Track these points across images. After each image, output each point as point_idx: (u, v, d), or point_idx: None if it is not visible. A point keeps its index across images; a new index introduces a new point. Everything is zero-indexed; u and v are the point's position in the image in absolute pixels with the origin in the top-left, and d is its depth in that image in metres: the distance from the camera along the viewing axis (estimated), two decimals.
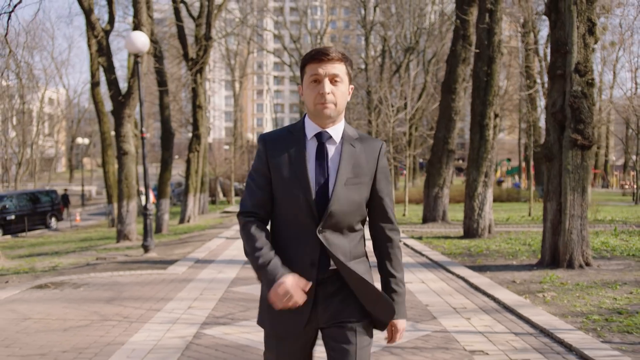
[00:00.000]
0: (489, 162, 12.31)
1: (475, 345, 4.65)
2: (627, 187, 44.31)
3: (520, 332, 5.05)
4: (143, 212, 10.90)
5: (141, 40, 10.45)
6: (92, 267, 9.37)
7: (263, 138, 2.26)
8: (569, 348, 4.54)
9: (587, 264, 8.24)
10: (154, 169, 42.98)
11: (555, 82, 8.60)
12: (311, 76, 2.16)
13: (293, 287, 2.01)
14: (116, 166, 24.58)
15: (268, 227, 2.24)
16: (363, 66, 40.38)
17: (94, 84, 23.19)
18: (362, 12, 39.78)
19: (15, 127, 46.23)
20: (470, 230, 12.29)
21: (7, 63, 19.05)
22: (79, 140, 43.45)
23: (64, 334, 5.10)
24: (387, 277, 2.26)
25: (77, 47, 74.82)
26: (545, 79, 24.75)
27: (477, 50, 12.42)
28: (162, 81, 19.76)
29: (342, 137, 2.21)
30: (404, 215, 20.64)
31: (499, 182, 43.31)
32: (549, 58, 10.75)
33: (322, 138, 2.19)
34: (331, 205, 2.12)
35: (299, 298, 2.02)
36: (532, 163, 27.56)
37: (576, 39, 8.37)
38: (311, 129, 2.21)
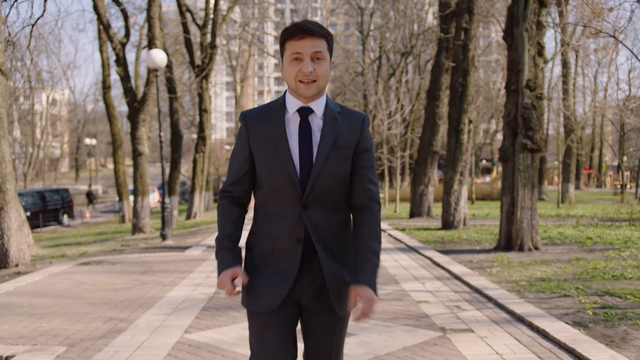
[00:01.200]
0: (463, 162, 13.95)
1: (422, 298, 6.30)
2: (619, 186, 45.85)
3: (459, 291, 6.71)
4: (161, 205, 12.55)
5: (159, 57, 12.09)
6: (119, 252, 11.02)
7: (244, 115, 2.24)
8: (489, 299, 6.18)
9: (536, 248, 9.88)
10: (159, 169, 44.62)
11: (510, 96, 10.24)
12: (292, 54, 2.10)
13: (222, 281, 2.16)
14: (123, 165, 26.24)
15: (251, 203, 2.31)
16: (360, 69, 42.05)
17: (106, 89, 24.83)
18: (359, 18, 41.43)
19: (22, 128, 47.93)
20: (447, 223, 13.94)
21: (28, 69, 20.66)
22: (87, 140, 45.01)
23: (115, 292, 6.75)
24: (360, 245, 2.18)
25: (82, 49, 76.61)
26: None
27: (454, 64, 14.07)
28: (171, 88, 21.42)
29: (324, 111, 2.18)
30: (395, 211, 22.28)
31: None
32: None
33: (304, 113, 2.16)
34: (314, 179, 2.11)
35: (227, 291, 2.15)
36: None
37: (527, 59, 10.01)
38: (293, 104, 2.18)
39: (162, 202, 12.50)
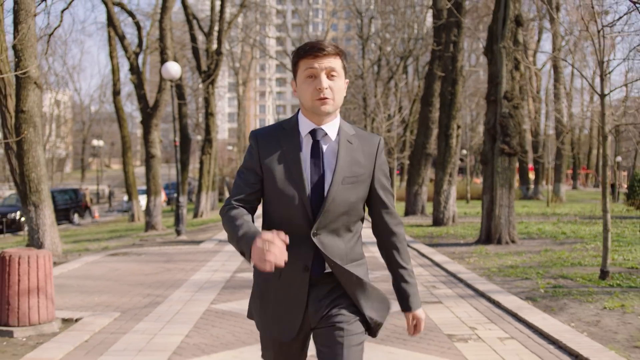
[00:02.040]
0: (452, 164, 15.17)
1: None
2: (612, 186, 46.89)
3: (437, 275, 7.92)
4: (176, 203, 13.80)
5: (175, 69, 13.31)
6: (139, 245, 12.24)
7: (255, 134, 2.18)
8: (461, 280, 7.40)
9: (513, 241, 11.09)
10: (167, 169, 45.92)
11: (490, 106, 11.46)
12: (306, 70, 2.08)
13: (271, 236, 1.83)
14: (132, 166, 27.46)
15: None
16: (360, 73, 43.29)
17: (116, 94, 26.04)
18: (359, 22, 42.65)
19: None
20: (438, 220, 15.15)
21: (45, 74, 21.98)
22: (94, 142, 46.30)
23: (146, 276, 7.98)
24: (397, 270, 2.28)
25: (87, 52, 78.20)
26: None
27: (443, 74, 15.29)
28: (180, 94, 22.64)
29: (338, 134, 2.14)
30: None
31: None
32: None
33: (316, 135, 2.12)
34: (326, 205, 2.07)
35: (278, 250, 1.82)
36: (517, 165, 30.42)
37: (505, 73, 11.21)
38: (305, 125, 2.14)
39: (177, 201, 13.73)
